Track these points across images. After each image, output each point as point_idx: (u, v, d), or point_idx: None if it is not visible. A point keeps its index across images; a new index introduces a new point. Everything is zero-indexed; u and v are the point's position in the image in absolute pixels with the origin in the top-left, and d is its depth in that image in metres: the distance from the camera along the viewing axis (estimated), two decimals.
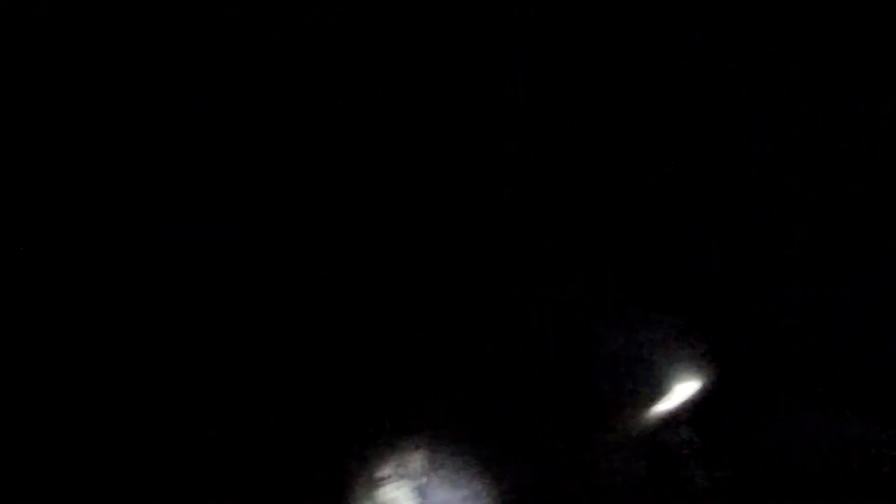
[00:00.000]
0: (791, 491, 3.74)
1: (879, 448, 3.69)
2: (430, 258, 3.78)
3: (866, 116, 3.77)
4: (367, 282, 3.73)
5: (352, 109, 3.77)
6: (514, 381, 3.63)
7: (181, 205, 3.68)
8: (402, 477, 3.56)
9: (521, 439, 3.58)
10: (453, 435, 3.57)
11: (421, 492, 3.58)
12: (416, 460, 3.56)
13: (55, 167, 3.57)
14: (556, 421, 3.61)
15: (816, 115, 3.79)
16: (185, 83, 3.63)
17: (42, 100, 3.54)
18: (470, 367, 3.62)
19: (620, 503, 3.72)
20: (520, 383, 3.63)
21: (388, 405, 3.57)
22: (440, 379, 3.61)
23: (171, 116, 3.63)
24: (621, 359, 3.75)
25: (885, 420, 3.71)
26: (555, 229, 3.80)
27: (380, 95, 3.76)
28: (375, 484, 3.56)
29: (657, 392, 3.80)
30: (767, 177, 3.82)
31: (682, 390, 3.85)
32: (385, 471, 3.58)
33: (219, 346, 3.59)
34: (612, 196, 3.83)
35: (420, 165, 3.83)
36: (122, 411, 3.46)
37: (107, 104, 3.59)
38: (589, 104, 3.84)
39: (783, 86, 3.81)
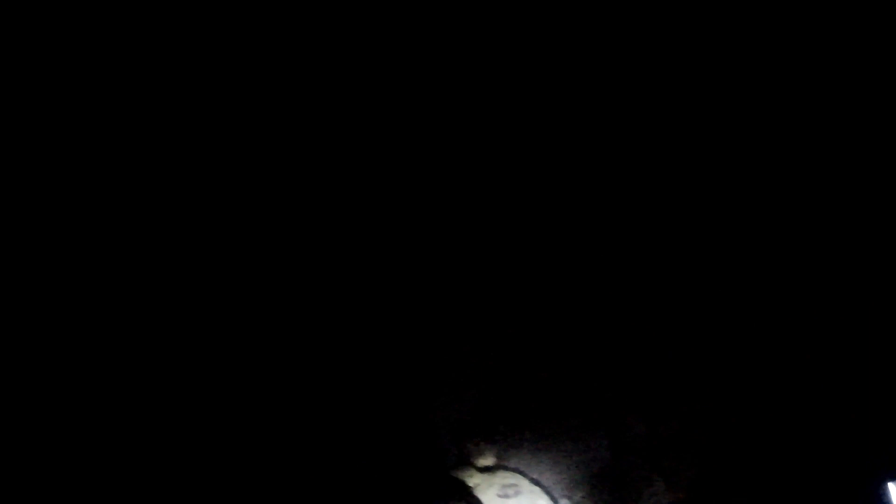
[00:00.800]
0: None
1: None
2: (430, 258, 3.78)
3: (866, 116, 3.78)
4: (367, 282, 3.74)
5: (352, 109, 3.78)
6: (514, 380, 3.64)
7: (181, 205, 3.69)
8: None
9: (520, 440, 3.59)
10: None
11: None
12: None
13: (55, 167, 3.58)
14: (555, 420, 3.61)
15: (816, 115, 3.80)
16: (185, 83, 3.64)
17: (42, 100, 3.55)
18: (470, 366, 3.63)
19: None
20: (519, 383, 3.64)
21: (387, 405, 3.57)
22: (440, 378, 3.62)
23: (171, 116, 3.64)
24: None
25: None
26: (554, 229, 3.81)
27: (380, 95, 3.77)
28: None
29: None
30: (767, 177, 3.83)
31: None
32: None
33: (218, 346, 3.60)
34: (612, 196, 3.84)
35: (420, 165, 3.84)
36: (121, 411, 3.47)
37: (107, 104, 3.60)
38: (589, 104, 3.84)
39: (783, 86, 3.81)
